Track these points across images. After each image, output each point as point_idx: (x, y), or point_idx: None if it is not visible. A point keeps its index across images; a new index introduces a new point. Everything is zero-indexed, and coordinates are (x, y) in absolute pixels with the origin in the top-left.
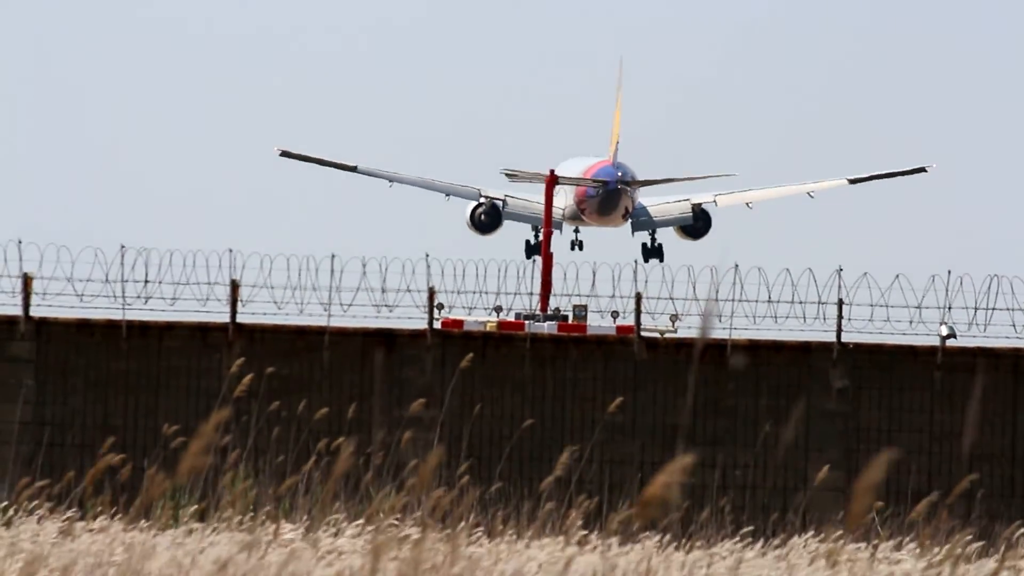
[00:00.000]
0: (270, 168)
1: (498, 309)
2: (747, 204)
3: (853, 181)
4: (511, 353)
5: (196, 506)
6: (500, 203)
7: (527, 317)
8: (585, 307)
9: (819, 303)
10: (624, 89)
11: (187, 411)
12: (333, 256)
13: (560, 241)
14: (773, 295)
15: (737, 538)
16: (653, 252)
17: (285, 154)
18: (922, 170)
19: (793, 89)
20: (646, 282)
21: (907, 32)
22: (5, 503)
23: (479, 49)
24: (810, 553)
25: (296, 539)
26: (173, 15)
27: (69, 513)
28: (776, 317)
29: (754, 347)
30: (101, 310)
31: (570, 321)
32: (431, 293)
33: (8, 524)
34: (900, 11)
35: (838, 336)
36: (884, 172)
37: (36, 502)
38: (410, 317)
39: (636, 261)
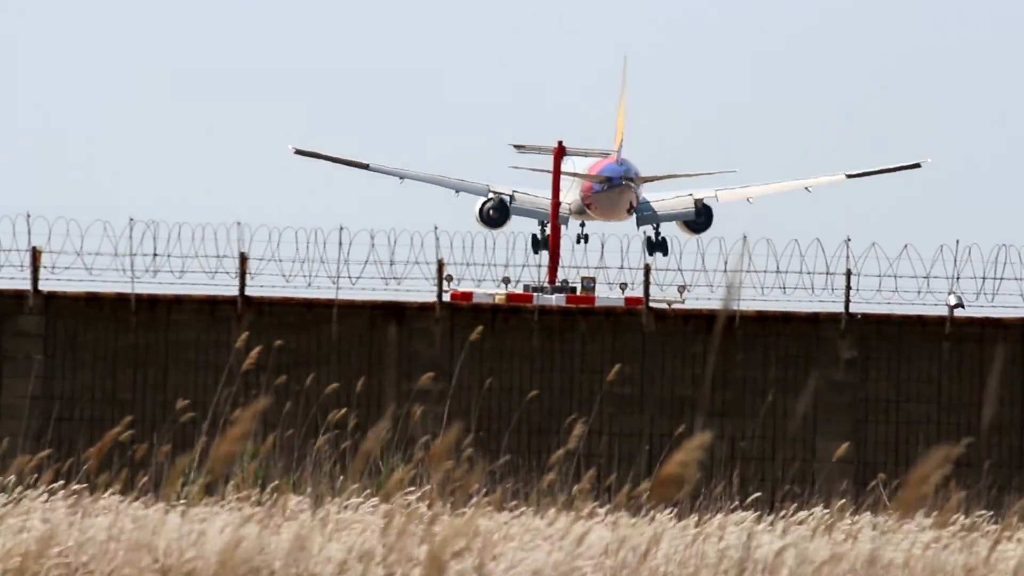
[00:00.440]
0: (281, 160)
1: (506, 281)
2: (748, 199)
3: (851, 176)
4: (520, 325)
5: (202, 480)
6: (508, 198)
7: (536, 289)
8: (593, 279)
9: (827, 274)
10: (628, 87)
11: (196, 385)
12: (341, 228)
13: (566, 235)
14: (781, 266)
15: (745, 510)
16: (657, 245)
17: (300, 152)
18: (917, 165)
19: (792, 87)
20: (654, 256)
21: (902, 30)
22: (13, 477)
23: (487, 49)
24: (819, 523)
25: (304, 513)
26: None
27: (77, 489)
28: (784, 288)
29: (762, 318)
30: (110, 283)
31: (578, 293)
32: (440, 265)
33: (18, 500)
34: (896, 10)
35: (846, 307)
36: (881, 168)
37: (44, 476)
38: (419, 290)
39: (647, 235)
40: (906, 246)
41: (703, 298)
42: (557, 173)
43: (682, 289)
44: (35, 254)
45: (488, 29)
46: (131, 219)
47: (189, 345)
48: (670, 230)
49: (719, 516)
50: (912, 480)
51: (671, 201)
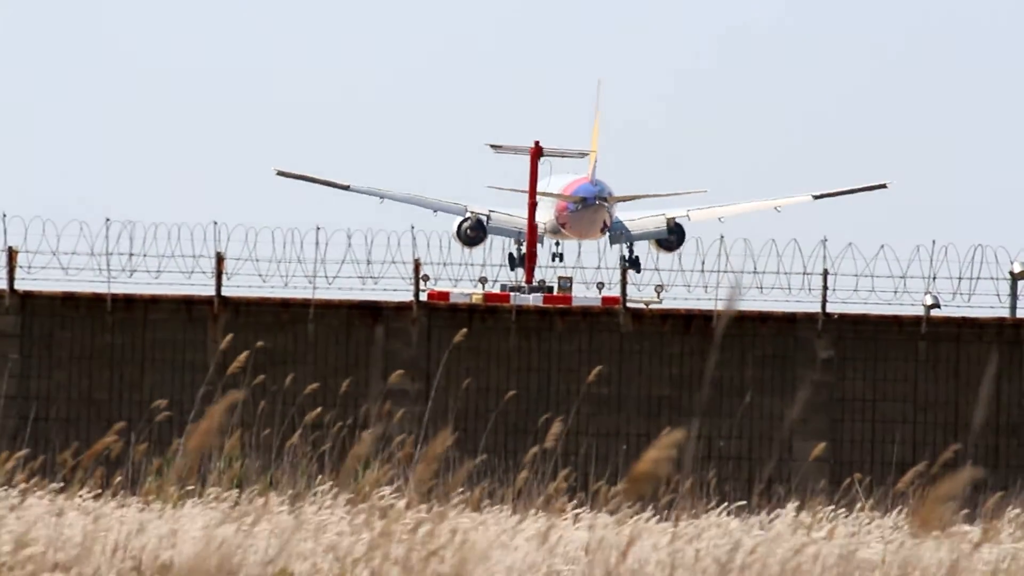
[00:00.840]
0: (259, 164)
1: (483, 280)
2: (719, 218)
3: (817, 197)
4: (497, 325)
5: (174, 475)
6: (485, 218)
7: (513, 289)
8: (570, 279)
9: (804, 274)
10: (601, 110)
11: (172, 384)
12: (318, 228)
13: (542, 253)
14: (758, 266)
15: (722, 509)
16: (630, 264)
17: (282, 174)
18: (883, 186)
19: (760, 109)
20: (633, 255)
21: (868, 53)
22: None
23: (463, 72)
24: (796, 524)
25: (283, 513)
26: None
27: (54, 488)
28: (762, 288)
29: (739, 317)
30: (86, 283)
31: (555, 293)
32: (417, 265)
33: None
34: (863, 34)
35: (823, 306)
36: (846, 189)
37: (19, 476)
38: (396, 289)
39: (622, 252)
40: (882, 246)
41: (680, 298)
42: (534, 172)
43: (659, 289)
44: (11, 254)
45: (468, 54)
46: (107, 219)
47: (165, 345)
48: (642, 248)
49: (698, 518)
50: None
51: (644, 220)
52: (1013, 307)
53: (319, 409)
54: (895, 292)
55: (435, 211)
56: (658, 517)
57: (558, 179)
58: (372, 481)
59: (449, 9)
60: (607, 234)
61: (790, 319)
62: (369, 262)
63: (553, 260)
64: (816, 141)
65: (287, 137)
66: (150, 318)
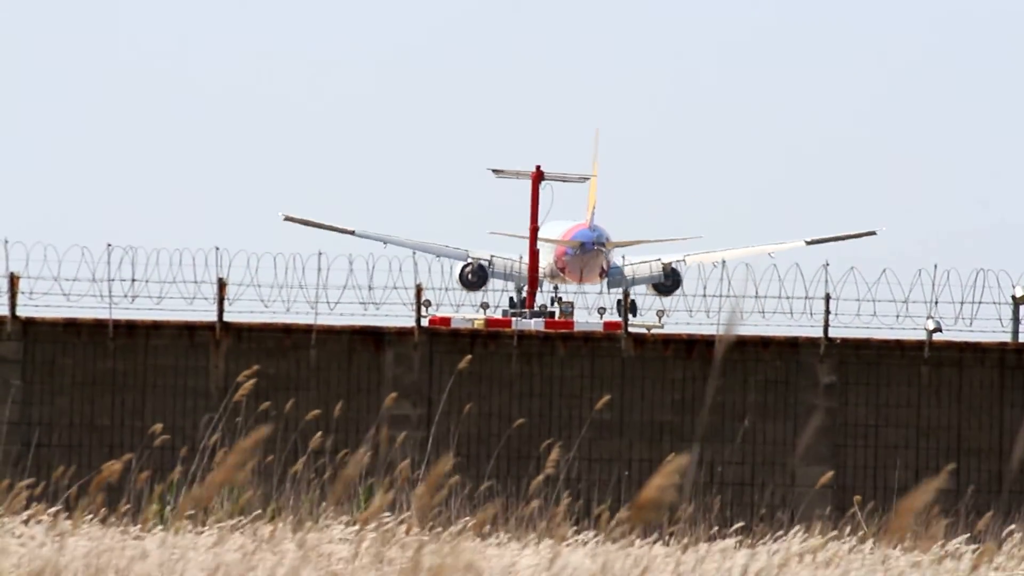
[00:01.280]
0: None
1: (485, 306)
2: (713, 264)
3: (810, 243)
4: (499, 350)
5: (181, 503)
6: (486, 263)
7: (514, 314)
8: (572, 303)
9: (806, 298)
10: (600, 157)
11: (174, 410)
12: (320, 254)
13: (541, 299)
14: (760, 290)
15: (725, 535)
16: (628, 308)
17: (289, 219)
18: (873, 233)
19: (753, 157)
20: (633, 279)
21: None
22: None
23: (463, 120)
24: (800, 550)
25: (287, 540)
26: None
27: (58, 518)
28: (764, 312)
29: (741, 342)
30: (88, 309)
31: (557, 318)
32: (418, 290)
33: None
34: (854, 85)
35: (825, 331)
36: (838, 235)
37: (21, 501)
38: (397, 315)
39: (623, 256)
40: (884, 271)
41: (682, 323)
42: (535, 196)
43: (661, 314)
44: (13, 280)
45: (466, 104)
46: (109, 245)
47: (167, 371)
48: (638, 289)
49: (700, 541)
50: (900, 510)
51: (641, 265)
52: (1015, 331)
53: (319, 434)
54: (897, 316)
55: (438, 256)
56: (661, 542)
57: (558, 225)
58: (376, 509)
59: (456, 44)
60: (605, 279)
61: (792, 344)
62: (371, 288)
63: (552, 304)
64: (808, 189)
65: (290, 162)
66: (152, 344)
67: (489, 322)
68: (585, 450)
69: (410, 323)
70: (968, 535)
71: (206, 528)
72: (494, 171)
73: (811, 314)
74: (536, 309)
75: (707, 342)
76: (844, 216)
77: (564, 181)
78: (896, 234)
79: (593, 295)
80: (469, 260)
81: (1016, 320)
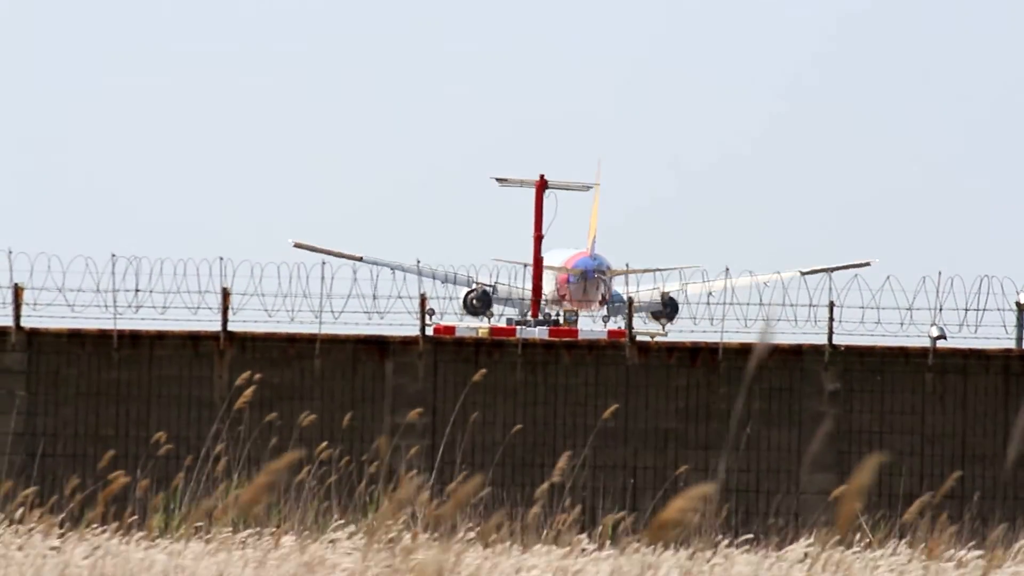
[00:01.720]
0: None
1: (489, 315)
2: (710, 293)
3: (805, 273)
4: (503, 359)
5: (188, 515)
6: (490, 289)
7: (519, 322)
8: (576, 312)
9: (810, 305)
10: (601, 188)
11: (179, 420)
12: (324, 263)
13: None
14: (764, 298)
15: (729, 542)
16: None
17: (299, 246)
18: (867, 264)
19: (748, 190)
20: (637, 290)
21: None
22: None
23: (467, 150)
24: (804, 557)
25: (293, 550)
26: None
27: (63, 527)
28: (767, 319)
29: (746, 350)
30: (92, 320)
31: (561, 326)
32: (423, 299)
33: None
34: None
35: (829, 338)
36: (832, 266)
37: (26, 512)
38: (402, 324)
39: (627, 264)
40: (888, 277)
41: (686, 331)
42: (539, 204)
43: (664, 323)
44: (17, 291)
45: (470, 137)
46: (113, 255)
47: (172, 381)
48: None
49: (704, 548)
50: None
51: (641, 293)
52: (1019, 338)
53: (325, 444)
54: (901, 324)
55: (443, 282)
56: (668, 551)
57: (559, 253)
58: (383, 519)
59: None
60: (606, 306)
61: (796, 351)
62: (375, 297)
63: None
64: (802, 221)
65: (289, 162)
66: (156, 354)
67: (493, 331)
68: (590, 458)
69: (414, 332)
70: (974, 542)
71: (211, 536)
72: (498, 180)
73: (815, 321)
74: (540, 317)
75: (711, 350)
76: (846, 233)
77: (568, 190)
78: (899, 242)
79: (596, 303)
80: (473, 286)
81: (1020, 327)
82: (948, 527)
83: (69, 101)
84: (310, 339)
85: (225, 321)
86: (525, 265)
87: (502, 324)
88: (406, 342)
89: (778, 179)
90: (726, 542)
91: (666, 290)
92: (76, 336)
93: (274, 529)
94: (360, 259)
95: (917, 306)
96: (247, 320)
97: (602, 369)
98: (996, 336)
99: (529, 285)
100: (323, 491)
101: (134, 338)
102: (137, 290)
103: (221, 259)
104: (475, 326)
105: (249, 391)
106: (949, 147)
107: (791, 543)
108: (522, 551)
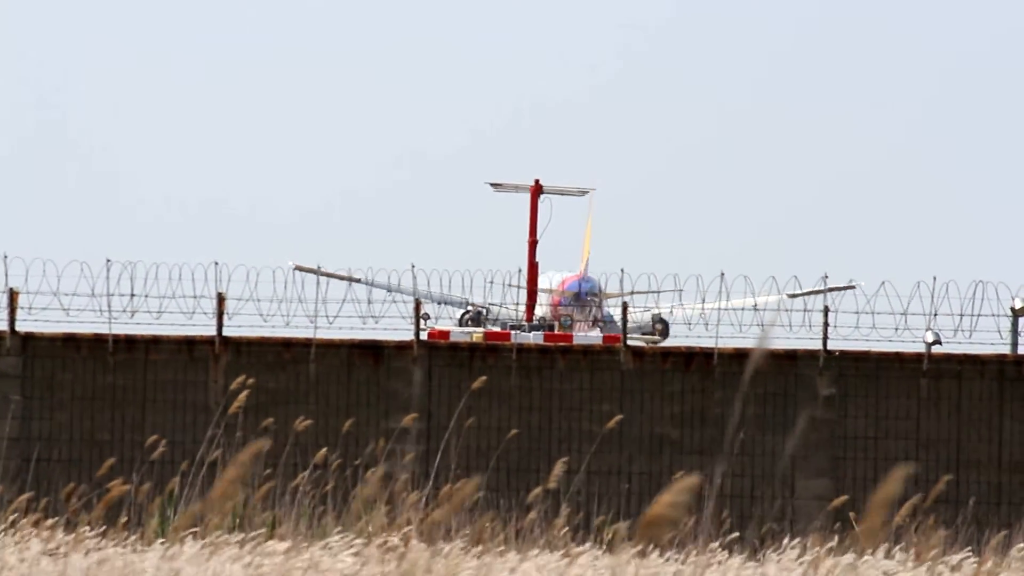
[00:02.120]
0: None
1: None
2: (699, 314)
3: (792, 296)
4: (498, 363)
5: (180, 518)
6: (484, 311)
7: (514, 327)
8: (571, 316)
9: (805, 310)
10: (593, 216)
11: (174, 425)
12: (319, 267)
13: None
14: (759, 303)
15: (724, 548)
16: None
17: (300, 268)
18: (852, 287)
19: (748, 192)
20: (632, 295)
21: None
22: None
23: (463, 175)
24: (799, 563)
25: (289, 555)
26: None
27: (58, 531)
28: (762, 324)
29: (741, 355)
30: (87, 324)
31: (556, 331)
32: (417, 304)
33: None
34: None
35: (824, 343)
36: (818, 289)
37: (20, 516)
38: (396, 328)
39: (622, 269)
40: (883, 283)
41: (681, 336)
42: (534, 208)
43: (659, 328)
44: (12, 295)
45: (465, 162)
46: (108, 260)
47: (167, 385)
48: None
49: (699, 553)
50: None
51: (632, 315)
52: (1014, 343)
53: (324, 449)
54: (896, 329)
55: (439, 303)
56: (662, 556)
57: (554, 276)
58: (378, 524)
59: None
60: (597, 328)
61: (791, 356)
62: (370, 301)
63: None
64: (789, 244)
65: (290, 163)
66: (151, 359)
67: (488, 335)
68: (583, 463)
69: (409, 337)
70: (969, 548)
71: (205, 541)
72: (492, 185)
73: (810, 326)
74: (535, 322)
75: (705, 354)
76: (841, 238)
77: (563, 195)
78: (894, 247)
79: (592, 307)
80: (468, 308)
81: (1015, 332)
82: (941, 532)
83: (64, 105)
84: (305, 344)
85: (220, 326)
86: (520, 288)
87: (497, 329)
88: (401, 347)
89: (774, 183)
90: (724, 552)
91: (656, 311)
92: (71, 340)
93: (268, 532)
94: (359, 281)
95: (912, 311)
96: (242, 325)
97: (597, 374)
98: (991, 341)
99: (523, 304)
100: (319, 496)
101: (129, 342)
102: (132, 295)
103: (216, 264)
104: (469, 330)
105: (243, 396)
106: (943, 153)
107: (784, 550)
108: (520, 559)
